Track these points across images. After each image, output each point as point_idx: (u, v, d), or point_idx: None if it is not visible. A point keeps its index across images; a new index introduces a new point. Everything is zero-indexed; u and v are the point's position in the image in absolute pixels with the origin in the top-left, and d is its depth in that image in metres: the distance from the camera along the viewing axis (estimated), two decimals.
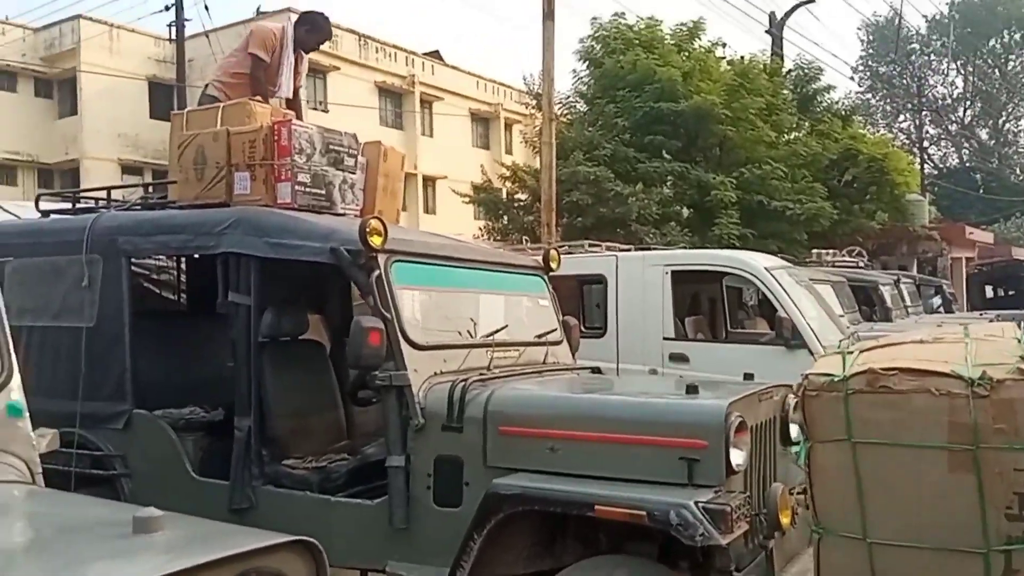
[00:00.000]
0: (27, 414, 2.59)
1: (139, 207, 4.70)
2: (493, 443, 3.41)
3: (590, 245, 8.33)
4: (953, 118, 44.86)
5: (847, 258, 12.82)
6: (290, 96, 5.21)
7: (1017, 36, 43.24)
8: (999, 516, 2.65)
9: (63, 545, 1.97)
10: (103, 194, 4.99)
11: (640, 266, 7.33)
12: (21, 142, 24.51)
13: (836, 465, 2.85)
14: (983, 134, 45.34)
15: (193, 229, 4.09)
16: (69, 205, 5.05)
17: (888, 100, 43.32)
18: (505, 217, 16.81)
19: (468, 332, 4.01)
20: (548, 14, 11.56)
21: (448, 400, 3.46)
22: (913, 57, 43.08)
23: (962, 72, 44.48)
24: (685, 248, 12.30)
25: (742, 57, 18.82)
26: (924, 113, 40.68)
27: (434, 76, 28.80)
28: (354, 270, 3.64)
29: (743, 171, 16.02)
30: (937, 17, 41.36)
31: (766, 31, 21.64)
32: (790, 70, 20.13)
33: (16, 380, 2.58)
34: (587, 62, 17.33)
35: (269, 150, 4.12)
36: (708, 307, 8.35)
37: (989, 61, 43.30)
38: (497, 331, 4.05)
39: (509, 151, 28.65)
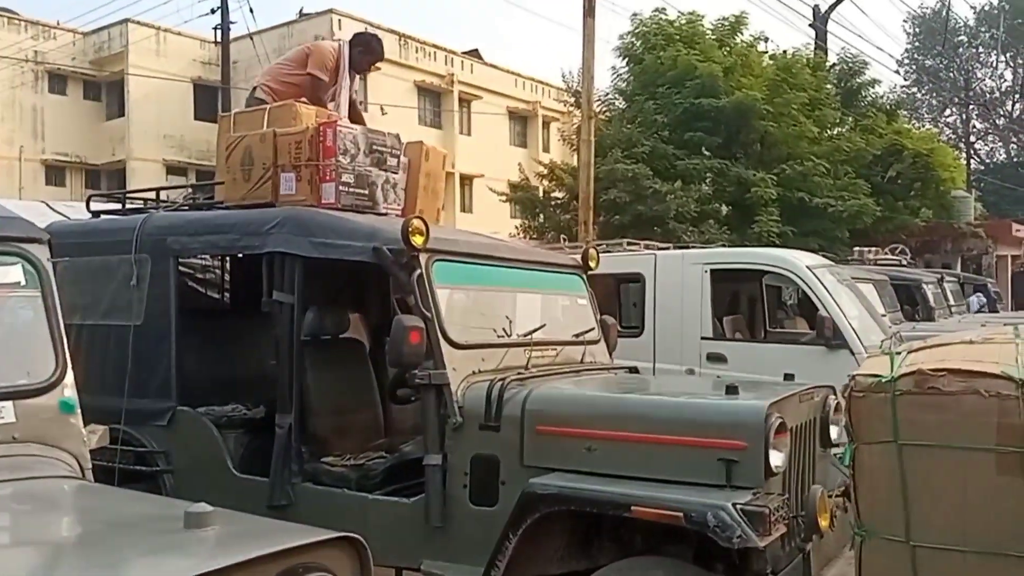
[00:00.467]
0: (79, 411, 2.67)
1: (187, 207, 4.79)
2: (530, 442, 3.42)
3: (628, 243, 8.31)
4: (1001, 112, 43.75)
5: (890, 256, 12.64)
6: (346, 117, 5.26)
7: None
8: None
9: (116, 539, 2.03)
10: (152, 195, 5.11)
11: (679, 265, 7.28)
12: (70, 143, 25.16)
13: (881, 467, 2.83)
14: None
15: (240, 229, 4.16)
16: (119, 205, 5.18)
17: (934, 94, 42.42)
18: (542, 215, 16.83)
19: (506, 331, 4.03)
20: (588, 11, 11.53)
21: (486, 399, 3.48)
22: (960, 50, 42.13)
23: (1011, 65, 43.34)
24: (724, 246, 12.20)
25: (785, 51, 18.66)
26: (971, 107, 39.84)
27: (473, 75, 28.87)
28: (396, 269, 3.67)
29: (784, 167, 15.86)
30: (986, 8, 40.45)
31: (810, 24, 21.36)
32: (834, 64, 19.87)
33: (69, 377, 2.66)
34: (627, 59, 17.29)
35: (315, 151, 4.18)
36: (747, 306, 8.27)
37: None
38: (535, 330, 4.06)
39: (547, 149, 28.63)
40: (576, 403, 3.56)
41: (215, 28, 21.73)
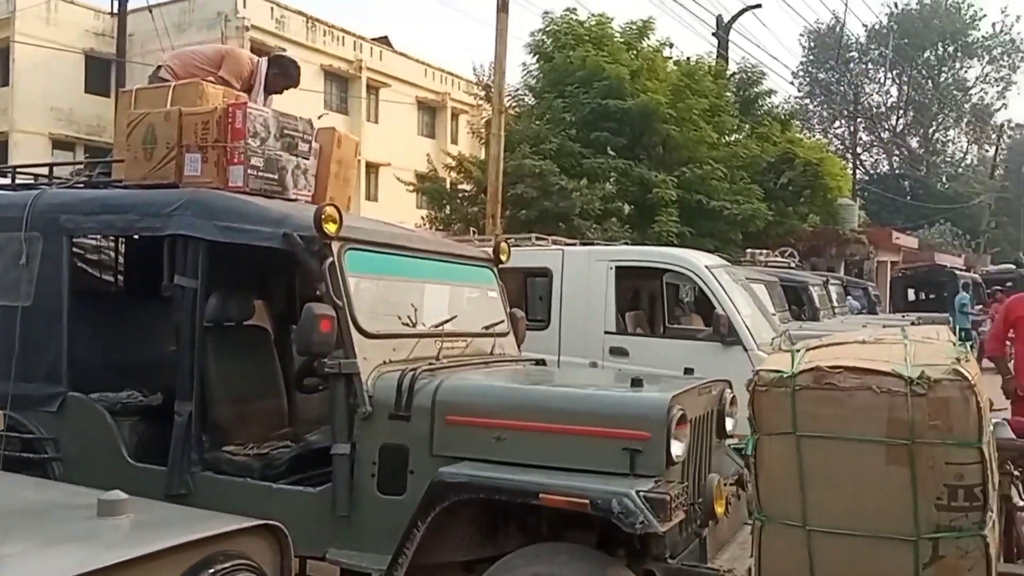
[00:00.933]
0: None
1: (82, 185, 4.57)
2: (440, 432, 3.43)
3: (536, 239, 8.40)
4: (886, 126, 46.34)
5: (779, 259, 13.18)
6: None
7: (950, 49, 44.87)
8: (930, 506, 2.83)
9: (26, 528, 1.95)
10: (44, 170, 4.85)
11: (585, 261, 7.42)
12: None
13: (781, 457, 2.99)
14: (913, 142, 46.97)
15: (141, 210, 4.00)
16: (7, 180, 4.89)
17: (825, 106, 44.52)
18: (448, 207, 16.78)
19: (417, 321, 4.03)
20: (502, 6, 11.59)
21: (397, 389, 3.47)
22: (851, 65, 44.35)
23: (897, 82, 45.99)
24: (626, 244, 12.49)
25: (688, 58, 19.17)
26: (859, 120, 41.98)
27: (382, 62, 28.49)
28: (307, 257, 3.61)
29: (684, 170, 16.32)
30: (876, 27, 42.68)
31: (713, 33, 22.04)
32: (734, 73, 20.54)
33: None
34: (537, 56, 17.41)
35: (223, 132, 4.04)
36: (648, 303, 8.49)
37: (923, 72, 44.82)
38: (446, 321, 4.08)
39: (455, 141, 28.57)
40: (486, 394, 3.59)
41: None
